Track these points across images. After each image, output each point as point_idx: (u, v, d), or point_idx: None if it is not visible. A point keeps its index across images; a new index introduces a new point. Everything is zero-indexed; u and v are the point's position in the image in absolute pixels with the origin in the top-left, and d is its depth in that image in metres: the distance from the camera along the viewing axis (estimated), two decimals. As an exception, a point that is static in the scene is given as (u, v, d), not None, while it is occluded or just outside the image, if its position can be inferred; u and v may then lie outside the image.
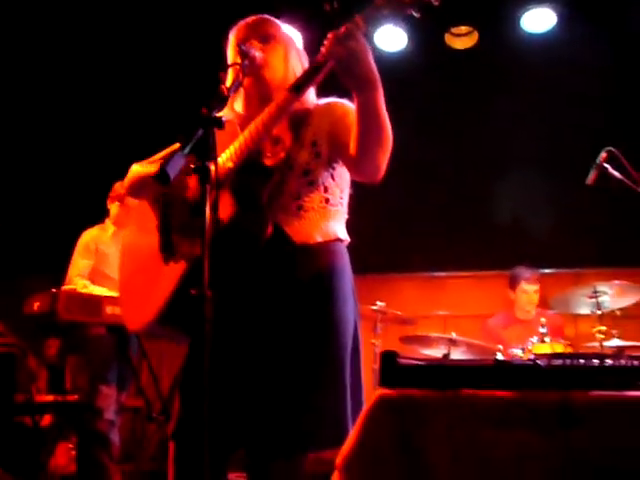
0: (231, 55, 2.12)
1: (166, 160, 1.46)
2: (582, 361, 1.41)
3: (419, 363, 1.46)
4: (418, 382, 1.40)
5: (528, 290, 5.06)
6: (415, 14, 1.73)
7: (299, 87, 1.87)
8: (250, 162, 1.91)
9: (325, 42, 1.81)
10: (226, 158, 1.90)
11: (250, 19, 2.13)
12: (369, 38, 1.81)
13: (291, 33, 2.17)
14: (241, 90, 2.05)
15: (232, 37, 2.13)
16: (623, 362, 1.43)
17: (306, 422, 1.80)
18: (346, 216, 2.14)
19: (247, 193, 1.89)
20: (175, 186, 1.91)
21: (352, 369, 1.93)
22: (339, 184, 2.08)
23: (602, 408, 1.34)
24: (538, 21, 5.22)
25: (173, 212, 1.99)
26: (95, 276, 4.17)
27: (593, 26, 5.07)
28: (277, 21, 2.15)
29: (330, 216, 2.04)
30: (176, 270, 1.89)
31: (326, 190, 2.03)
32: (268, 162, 1.94)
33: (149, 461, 4.64)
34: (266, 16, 2.14)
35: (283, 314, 1.90)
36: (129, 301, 2.11)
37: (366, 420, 1.39)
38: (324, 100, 2.12)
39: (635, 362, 1.43)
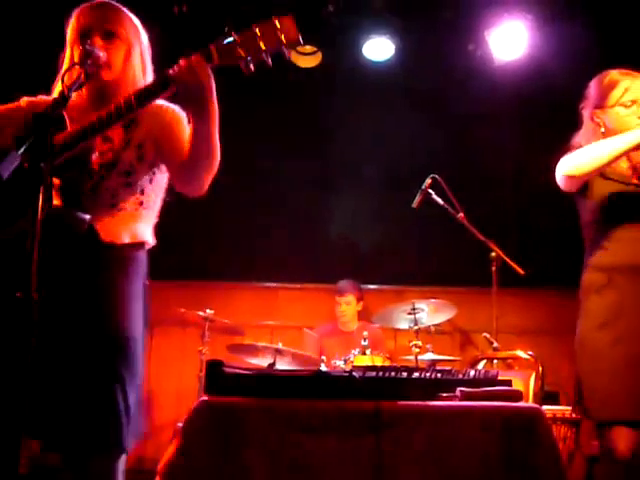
0: (71, 39, 2.05)
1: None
2: (393, 374, 1.54)
3: (243, 372, 1.52)
4: (241, 391, 1.45)
5: (340, 302, 5.30)
6: (267, 61, 1.79)
7: (142, 100, 1.87)
8: (78, 157, 1.90)
9: (176, 65, 1.83)
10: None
11: (95, 3, 2.07)
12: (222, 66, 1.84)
13: (136, 24, 2.13)
14: None
15: (74, 20, 2.06)
16: (428, 375, 1.58)
17: (109, 422, 1.80)
18: (155, 220, 2.16)
19: (69, 187, 1.87)
20: None
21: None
22: (155, 189, 2.11)
23: (409, 416, 1.47)
24: (378, 50, 5.51)
25: None
26: None
27: (425, 56, 5.44)
28: (122, 9, 2.10)
29: (141, 218, 2.06)
30: None
31: (142, 193, 2.06)
32: (95, 160, 1.95)
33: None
34: (112, 2, 2.09)
35: (78, 311, 1.89)
36: None
37: (189, 427, 1.42)
38: (156, 101, 2.10)
39: (438, 375, 1.58)
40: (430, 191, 4.59)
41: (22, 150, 1.42)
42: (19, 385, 1.41)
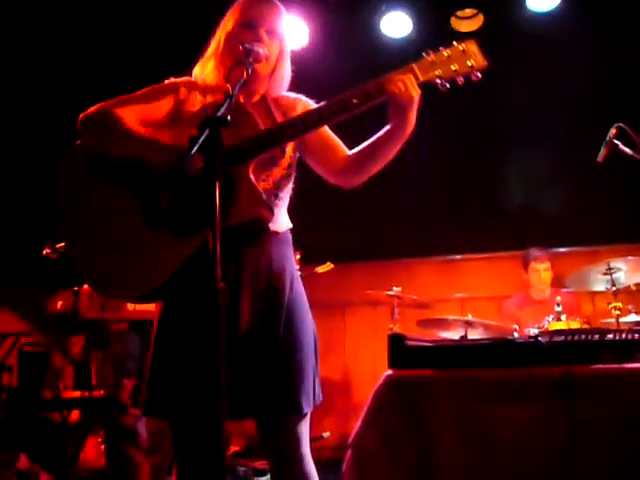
0: (230, 28, 2.09)
1: (177, 160, 1.55)
2: (583, 336, 1.46)
3: (425, 344, 1.52)
4: (425, 362, 1.45)
5: (538, 269, 5.11)
6: (460, 82, 1.95)
7: (362, 102, 1.94)
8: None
9: (382, 80, 1.93)
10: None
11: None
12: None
13: (288, 21, 2.19)
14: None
15: (237, 10, 2.11)
16: (624, 336, 1.48)
17: (306, 388, 1.96)
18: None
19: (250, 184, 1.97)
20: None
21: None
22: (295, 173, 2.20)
23: (603, 380, 1.39)
24: (543, 0, 5.22)
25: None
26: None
27: (596, 3, 5.06)
28: (281, 7, 2.14)
29: (286, 205, 2.15)
30: (181, 250, 1.92)
31: (294, 181, 2.16)
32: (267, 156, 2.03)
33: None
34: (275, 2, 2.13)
35: (268, 297, 2.00)
36: (116, 269, 1.99)
37: (375, 399, 1.45)
38: (292, 94, 2.19)
39: (635, 335, 1.48)
40: (616, 141, 4.27)
41: (194, 150, 1.51)
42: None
